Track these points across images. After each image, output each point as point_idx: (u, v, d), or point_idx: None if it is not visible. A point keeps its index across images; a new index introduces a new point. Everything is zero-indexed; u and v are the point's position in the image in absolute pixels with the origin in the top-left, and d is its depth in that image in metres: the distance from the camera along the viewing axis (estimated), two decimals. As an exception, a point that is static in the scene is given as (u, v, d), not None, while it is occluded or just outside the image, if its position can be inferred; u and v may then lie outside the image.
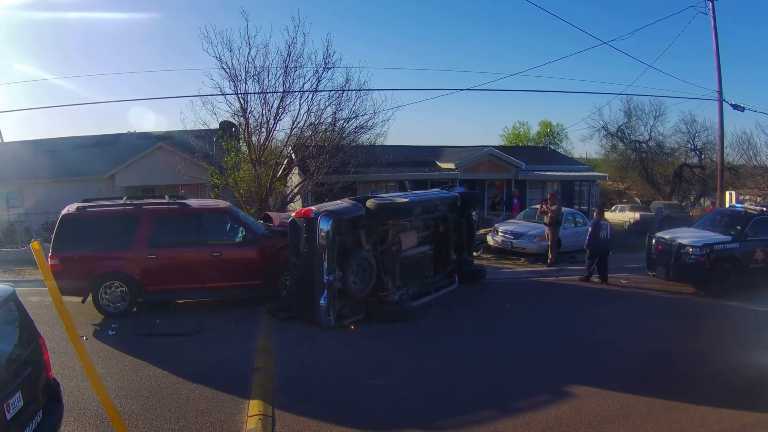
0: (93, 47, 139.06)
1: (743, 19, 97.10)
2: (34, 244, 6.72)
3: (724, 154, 30.15)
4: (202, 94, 23.54)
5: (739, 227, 17.88)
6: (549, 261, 21.85)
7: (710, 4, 25.86)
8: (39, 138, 38.91)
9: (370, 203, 13.80)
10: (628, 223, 38.56)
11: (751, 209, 18.95)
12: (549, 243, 22.01)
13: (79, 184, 31.91)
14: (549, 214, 21.83)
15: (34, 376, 6.07)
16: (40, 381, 6.22)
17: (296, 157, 26.67)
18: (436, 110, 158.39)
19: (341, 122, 25.92)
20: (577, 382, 9.90)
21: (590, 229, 19.68)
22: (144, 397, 8.81)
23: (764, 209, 18.55)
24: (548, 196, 23.40)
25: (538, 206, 23.93)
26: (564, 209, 26.39)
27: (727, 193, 27.76)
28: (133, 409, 8.31)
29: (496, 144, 53.37)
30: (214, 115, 24.55)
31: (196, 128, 24.52)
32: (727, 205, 25.33)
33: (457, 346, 12.14)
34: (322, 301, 12.63)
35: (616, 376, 10.31)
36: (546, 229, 22.18)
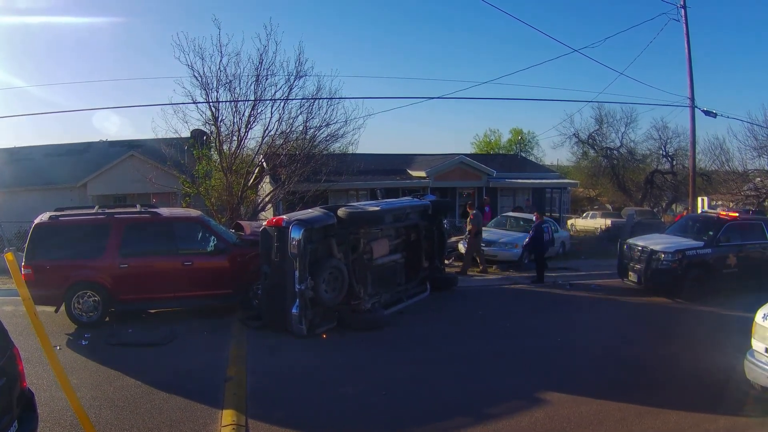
0: (63, 53, 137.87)
1: (715, 26, 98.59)
2: (8, 255, 6.76)
3: (696, 160, 30.43)
4: (173, 102, 23.56)
5: (711, 233, 18.09)
6: (461, 269, 21.72)
7: (683, 11, 25.99)
8: (11, 146, 38.72)
9: (341, 212, 13.90)
10: (599, 230, 38.84)
11: (723, 215, 19.20)
12: (465, 251, 22.11)
13: (51, 193, 31.84)
14: (467, 224, 21.95)
15: (9, 387, 6.05)
16: (15, 391, 6.20)
17: (267, 165, 26.68)
18: (407, 118, 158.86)
19: (312, 130, 26.01)
20: (550, 388, 10.01)
21: (533, 232, 20.38)
22: (117, 407, 8.83)
23: (736, 214, 18.80)
24: (467, 205, 23.46)
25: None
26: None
27: (699, 198, 27.99)
28: (106, 420, 8.34)
29: (467, 152, 53.73)
30: (185, 124, 24.59)
31: (168, 136, 24.45)
32: (699, 210, 25.60)
33: (430, 353, 12.24)
34: (293, 310, 12.67)
35: (589, 381, 10.43)
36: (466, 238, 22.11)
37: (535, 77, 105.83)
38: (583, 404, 9.37)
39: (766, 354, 8.89)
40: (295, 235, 12.57)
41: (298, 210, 15.80)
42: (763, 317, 9.05)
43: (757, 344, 9.14)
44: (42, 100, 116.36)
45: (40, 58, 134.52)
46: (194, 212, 16.37)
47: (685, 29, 26.26)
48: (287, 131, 25.47)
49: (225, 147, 24.34)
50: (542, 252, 20.62)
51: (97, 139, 41.15)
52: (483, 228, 24.95)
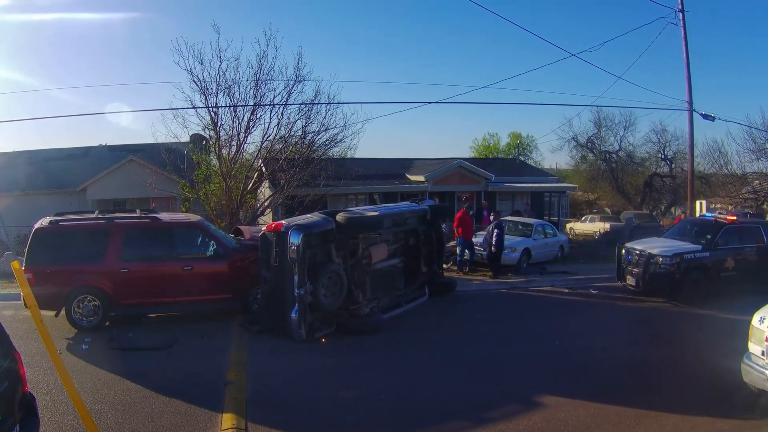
0: (64, 56, 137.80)
1: (713, 29, 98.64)
2: (15, 264, 6.82)
3: (695, 163, 30.48)
4: (173, 107, 23.67)
5: (709, 236, 18.14)
6: None
7: (681, 14, 26.00)
8: (10, 150, 38.76)
9: (340, 217, 13.94)
10: (598, 234, 38.85)
11: (721, 218, 19.28)
12: None
13: (51, 197, 31.87)
14: None
15: (11, 391, 6.09)
16: (17, 395, 6.24)
17: (267, 170, 26.69)
18: (406, 122, 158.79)
19: (311, 135, 26.00)
20: (549, 392, 10.06)
21: (497, 231, 21.16)
22: (118, 411, 8.87)
23: (734, 218, 18.87)
24: None
25: None
26: (534, 220, 26.82)
27: (698, 202, 28.03)
28: (107, 423, 8.37)
29: (466, 156, 53.83)
30: (185, 128, 24.80)
31: (167, 141, 24.51)
32: (697, 214, 25.67)
33: (428, 357, 12.28)
34: (293, 315, 12.72)
35: (587, 385, 10.49)
36: None
37: (533, 81, 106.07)
38: (581, 407, 9.43)
39: (762, 357, 8.96)
40: (294, 240, 12.63)
41: (297, 215, 15.83)
42: (759, 320, 9.11)
43: (753, 347, 9.20)
44: (42, 102, 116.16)
45: (41, 59, 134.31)
46: (194, 217, 16.44)
47: (683, 33, 26.29)
48: (286, 136, 25.54)
49: (224, 152, 24.37)
50: (501, 250, 21.41)
51: (96, 144, 41.17)
52: (480, 232, 25.03)
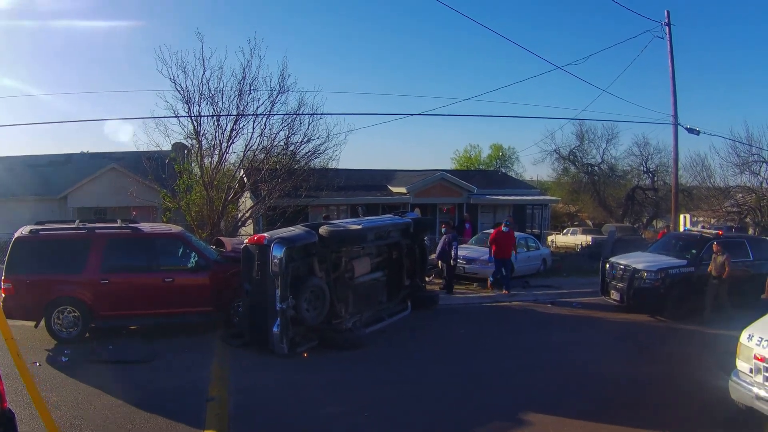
0: (48, 61, 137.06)
1: (699, 44, 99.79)
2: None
3: (678, 176, 30.69)
4: (155, 116, 23.66)
5: (694, 251, 18.26)
6: None
7: (667, 28, 26.33)
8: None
9: (323, 230, 13.87)
10: (580, 246, 39.01)
11: (706, 233, 19.35)
12: None
13: (31, 205, 31.79)
14: None
15: (-10, 409, 6.01)
16: (-5, 412, 6.16)
17: (248, 180, 26.66)
18: (388, 134, 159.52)
19: (294, 146, 26.13)
20: (533, 409, 9.96)
21: (455, 243, 21.04)
22: (98, 426, 8.76)
23: (719, 232, 18.95)
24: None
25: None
26: (517, 233, 26.83)
27: (682, 216, 28.21)
28: (87, 440, 8.29)
29: (447, 167, 53.91)
30: (167, 137, 24.75)
31: (149, 150, 24.47)
32: (681, 228, 25.81)
33: (412, 373, 12.20)
34: (275, 329, 12.61)
35: (573, 402, 10.42)
36: None
37: (516, 93, 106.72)
38: (567, 425, 9.37)
39: (750, 374, 8.97)
40: (277, 253, 12.55)
41: (279, 226, 15.74)
42: (748, 337, 9.14)
43: (741, 364, 9.22)
44: (23, 109, 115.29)
45: (22, 65, 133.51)
46: (175, 228, 16.34)
47: (669, 47, 26.60)
48: (269, 146, 25.63)
49: (206, 161, 24.40)
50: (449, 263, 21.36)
51: (78, 150, 41.04)
52: (463, 245, 25.01)
